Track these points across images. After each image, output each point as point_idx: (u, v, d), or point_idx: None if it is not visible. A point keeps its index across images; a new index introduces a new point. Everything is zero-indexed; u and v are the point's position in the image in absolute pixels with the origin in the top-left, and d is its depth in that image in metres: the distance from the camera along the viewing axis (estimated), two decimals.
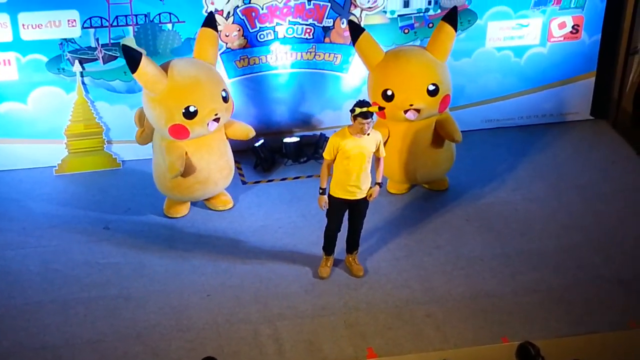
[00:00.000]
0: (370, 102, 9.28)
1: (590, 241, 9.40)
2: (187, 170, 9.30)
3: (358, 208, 8.65)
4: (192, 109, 8.97)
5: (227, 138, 9.61)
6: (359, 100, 8.28)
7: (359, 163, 8.35)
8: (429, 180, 10.12)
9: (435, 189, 10.23)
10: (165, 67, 9.09)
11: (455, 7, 9.62)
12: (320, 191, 8.55)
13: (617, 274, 8.92)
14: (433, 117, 9.63)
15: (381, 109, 8.46)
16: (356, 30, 9.59)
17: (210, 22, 9.35)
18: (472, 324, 8.27)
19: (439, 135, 9.72)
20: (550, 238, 9.45)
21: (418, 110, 9.41)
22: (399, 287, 8.71)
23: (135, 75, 8.89)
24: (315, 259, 8.99)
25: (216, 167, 9.48)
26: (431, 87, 9.38)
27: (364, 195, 8.55)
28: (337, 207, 8.60)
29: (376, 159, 8.60)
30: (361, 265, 8.91)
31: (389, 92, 9.38)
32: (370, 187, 8.59)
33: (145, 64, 8.81)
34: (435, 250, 9.25)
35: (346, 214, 8.71)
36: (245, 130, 9.71)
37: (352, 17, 10.50)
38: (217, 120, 9.12)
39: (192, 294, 8.63)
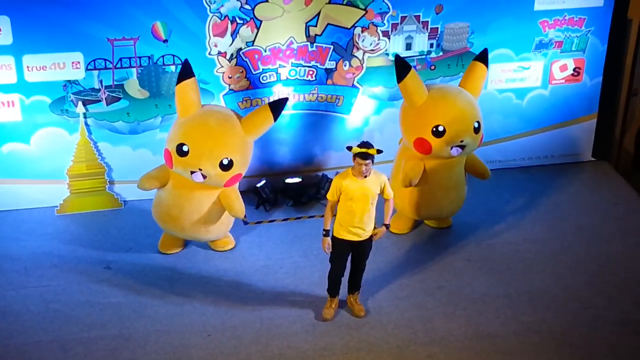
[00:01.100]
0: (412, 138, 9.48)
1: (593, 283, 9.37)
2: (164, 198, 9.43)
3: (361, 249, 8.60)
4: (184, 148, 9.00)
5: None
6: (362, 142, 8.26)
7: (362, 205, 8.32)
8: (452, 214, 10.20)
9: (443, 227, 10.29)
10: (207, 106, 9.34)
11: (485, 49, 9.71)
12: (324, 233, 8.51)
13: (620, 315, 8.86)
14: (465, 155, 9.74)
15: (380, 152, 8.26)
16: (403, 68, 9.44)
17: (186, 72, 9.10)
18: None
19: (465, 172, 9.92)
20: (552, 279, 9.41)
21: (463, 147, 9.48)
22: (400, 328, 8.67)
23: (176, 88, 9.11)
24: (316, 299, 8.96)
25: (188, 216, 9.41)
26: (476, 125, 9.48)
27: (367, 236, 8.51)
28: (340, 248, 8.53)
29: (385, 200, 8.55)
30: (362, 306, 8.86)
31: (441, 128, 9.39)
32: (376, 227, 8.57)
33: (191, 85, 9.04)
34: (437, 291, 9.22)
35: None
36: (231, 207, 9.36)
37: (354, 59, 10.59)
38: (204, 176, 9.04)
39: (192, 334, 8.58)
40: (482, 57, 9.71)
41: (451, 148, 9.47)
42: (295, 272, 9.50)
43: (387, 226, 8.66)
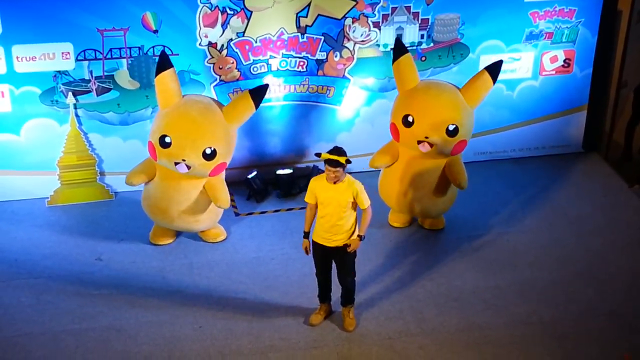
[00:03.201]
0: (390, 122, 9.39)
1: (583, 274, 9.41)
2: (152, 192, 9.45)
3: (339, 258, 8.32)
4: (167, 140, 8.99)
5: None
6: (334, 147, 8.00)
7: (333, 210, 8.08)
8: (426, 215, 10.10)
9: (433, 229, 10.19)
10: (187, 96, 9.31)
11: (501, 61, 9.50)
12: (304, 234, 8.35)
13: (609, 306, 8.91)
14: (444, 159, 9.59)
15: (348, 162, 7.88)
16: (400, 50, 9.52)
17: (163, 63, 9.06)
18: (465, 356, 8.24)
19: (445, 180, 9.68)
20: (542, 270, 9.45)
21: (431, 145, 9.40)
22: (391, 319, 8.69)
23: (155, 80, 9.07)
24: (308, 291, 8.96)
25: (176, 207, 9.42)
26: (451, 127, 9.31)
27: (339, 245, 8.21)
28: (317, 251, 8.37)
29: (362, 210, 8.20)
30: (354, 320, 8.60)
31: (410, 119, 9.38)
32: (351, 237, 8.22)
33: (169, 76, 9.02)
34: (428, 282, 9.24)
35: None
36: (216, 198, 9.31)
37: (345, 50, 10.59)
38: (187, 167, 9.03)
39: (184, 325, 8.59)
40: (494, 69, 9.45)
41: (419, 143, 9.39)
42: (286, 263, 9.51)
43: (361, 237, 8.21)
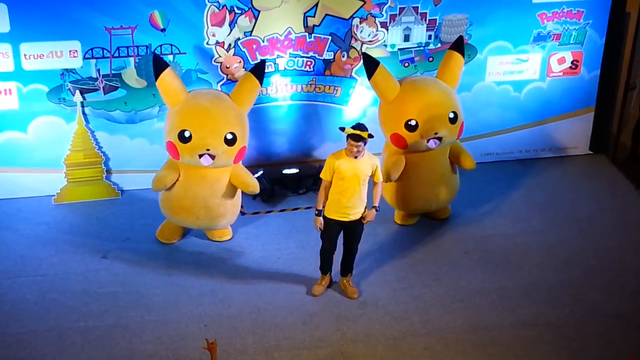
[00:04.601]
0: (388, 134, 9.45)
1: (589, 275, 9.39)
2: (174, 191, 9.41)
3: (352, 231, 8.71)
4: (186, 134, 9.04)
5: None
6: (356, 123, 8.40)
7: (353, 185, 8.43)
8: (443, 206, 10.17)
9: (442, 217, 10.27)
10: (192, 91, 9.38)
11: (461, 37, 9.76)
12: (316, 212, 8.65)
13: (616, 308, 8.89)
14: (447, 146, 9.73)
15: (370, 136, 8.36)
16: (371, 64, 9.53)
17: (159, 64, 9.21)
18: (471, 357, 8.23)
19: (451, 163, 9.88)
20: (549, 272, 9.43)
21: (440, 139, 9.45)
22: (397, 319, 8.68)
23: (157, 83, 9.16)
24: None
25: (202, 203, 9.43)
26: (451, 115, 9.49)
27: (357, 218, 8.60)
28: (330, 228, 8.67)
29: (374, 184, 8.66)
30: (355, 288, 8.93)
31: (413, 122, 9.41)
32: (367, 210, 8.64)
33: (169, 75, 9.10)
34: (434, 283, 9.23)
35: (342, 235, 8.76)
36: (247, 184, 9.48)
37: (352, 50, 10.58)
38: (212, 157, 9.10)
39: (189, 324, 8.59)
40: (458, 46, 9.70)
41: (427, 141, 9.45)
42: (292, 263, 9.51)
43: (377, 209, 8.71)
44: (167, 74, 9.16)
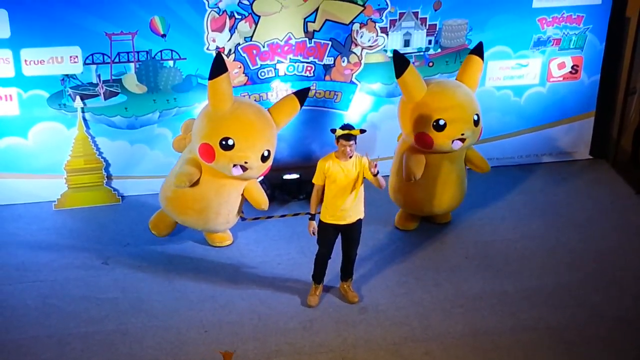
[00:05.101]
0: (413, 134, 9.48)
1: (590, 280, 9.38)
2: (189, 192, 9.34)
3: (350, 234, 8.68)
4: (230, 142, 8.96)
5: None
6: (344, 124, 8.40)
7: (346, 187, 8.42)
8: (449, 210, 10.23)
9: (442, 222, 10.30)
10: (234, 98, 9.23)
11: (481, 42, 9.76)
12: (310, 217, 8.64)
13: (617, 312, 8.88)
14: (464, 150, 9.80)
15: (362, 131, 8.36)
16: (401, 63, 9.44)
17: (219, 66, 8.96)
18: None
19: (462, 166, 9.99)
20: (549, 276, 9.43)
21: (463, 140, 9.51)
22: (397, 325, 8.67)
23: (210, 83, 8.94)
24: None
25: (215, 209, 9.46)
26: (475, 117, 9.53)
27: (353, 221, 8.58)
28: (326, 232, 8.65)
29: (374, 181, 8.50)
30: (356, 293, 8.93)
31: (442, 122, 9.40)
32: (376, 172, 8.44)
33: (225, 80, 8.92)
34: (434, 288, 9.22)
35: (339, 240, 8.75)
36: (258, 201, 9.60)
37: (352, 55, 10.60)
38: (243, 169, 9.09)
39: (189, 329, 8.58)
40: (478, 51, 9.75)
41: (452, 142, 9.49)
42: (292, 268, 9.50)
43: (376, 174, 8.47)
44: (224, 78, 8.94)
